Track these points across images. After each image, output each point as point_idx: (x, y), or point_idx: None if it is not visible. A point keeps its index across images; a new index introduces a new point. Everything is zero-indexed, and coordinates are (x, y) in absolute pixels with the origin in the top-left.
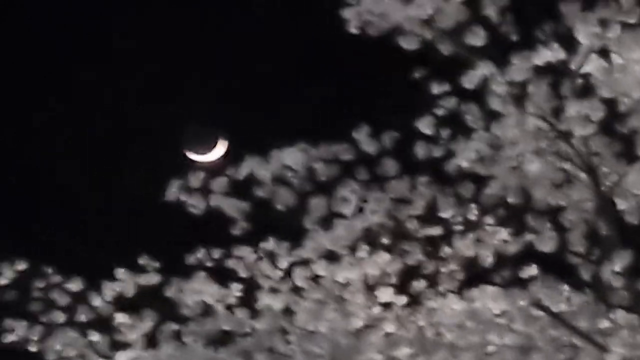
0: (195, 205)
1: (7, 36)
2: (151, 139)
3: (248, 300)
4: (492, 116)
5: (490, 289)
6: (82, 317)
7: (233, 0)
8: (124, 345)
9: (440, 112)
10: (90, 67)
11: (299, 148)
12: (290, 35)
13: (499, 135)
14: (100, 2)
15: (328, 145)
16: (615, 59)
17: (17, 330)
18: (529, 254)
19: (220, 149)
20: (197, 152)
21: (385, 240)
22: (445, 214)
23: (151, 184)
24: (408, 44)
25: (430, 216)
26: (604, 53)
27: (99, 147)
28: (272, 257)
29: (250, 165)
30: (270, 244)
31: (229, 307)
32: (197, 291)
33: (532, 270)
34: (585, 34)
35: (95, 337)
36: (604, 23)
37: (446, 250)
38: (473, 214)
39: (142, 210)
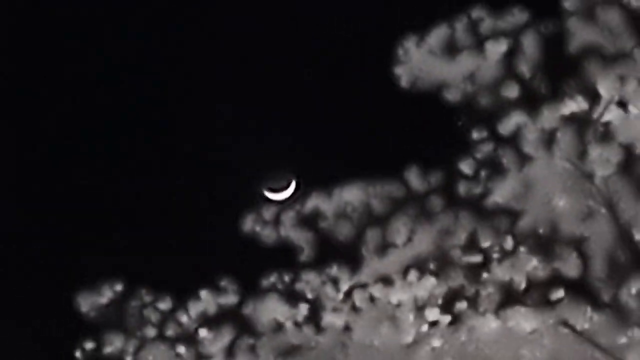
0: (268, 235)
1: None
2: (232, 180)
3: (313, 318)
4: (524, 159)
5: (522, 309)
6: (171, 332)
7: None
8: (206, 357)
9: (479, 155)
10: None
11: (357, 186)
12: (351, 90)
13: (530, 176)
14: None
15: (382, 184)
16: (632, 109)
17: (115, 343)
18: (556, 279)
19: (291, 188)
20: (272, 192)
21: (432, 267)
22: (484, 243)
23: (232, 218)
24: (452, 96)
25: (470, 246)
26: (622, 104)
27: (190, 187)
28: (334, 281)
29: (315, 201)
30: (333, 269)
31: (297, 324)
32: (270, 310)
33: (559, 293)
34: (605, 87)
35: (182, 349)
36: (622, 78)
37: (485, 275)
38: (508, 243)
39: (223, 240)
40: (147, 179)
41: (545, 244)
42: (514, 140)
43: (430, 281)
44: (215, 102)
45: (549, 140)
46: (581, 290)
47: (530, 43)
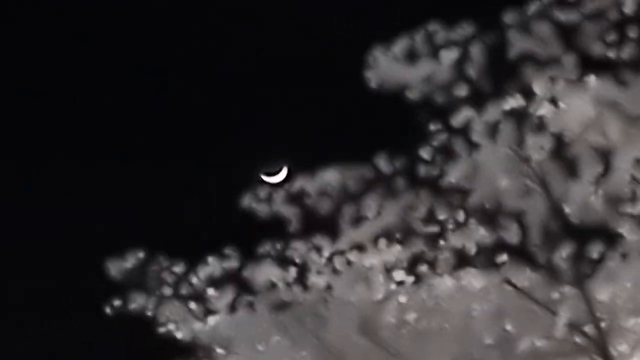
0: (263, 211)
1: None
2: (236, 167)
3: (301, 279)
4: (473, 146)
5: (473, 270)
6: (184, 291)
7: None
8: (213, 312)
9: (435, 143)
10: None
11: (335, 170)
12: (331, 94)
13: (478, 160)
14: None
15: (356, 168)
16: (561, 105)
17: (138, 300)
18: (500, 245)
19: (283, 173)
20: (268, 175)
21: (397, 236)
22: (440, 216)
23: (234, 197)
24: (413, 95)
25: (429, 218)
26: (553, 101)
27: (201, 173)
28: (317, 248)
29: (301, 183)
30: (316, 238)
31: (288, 284)
32: (265, 273)
33: (503, 256)
34: (539, 87)
35: (192, 305)
36: (553, 79)
37: (441, 242)
38: (460, 216)
39: (226, 215)
40: (167, 168)
41: (490, 216)
42: (464, 131)
43: (397, 248)
44: (227, 106)
45: (493, 131)
46: (521, 254)
47: (476, 51)
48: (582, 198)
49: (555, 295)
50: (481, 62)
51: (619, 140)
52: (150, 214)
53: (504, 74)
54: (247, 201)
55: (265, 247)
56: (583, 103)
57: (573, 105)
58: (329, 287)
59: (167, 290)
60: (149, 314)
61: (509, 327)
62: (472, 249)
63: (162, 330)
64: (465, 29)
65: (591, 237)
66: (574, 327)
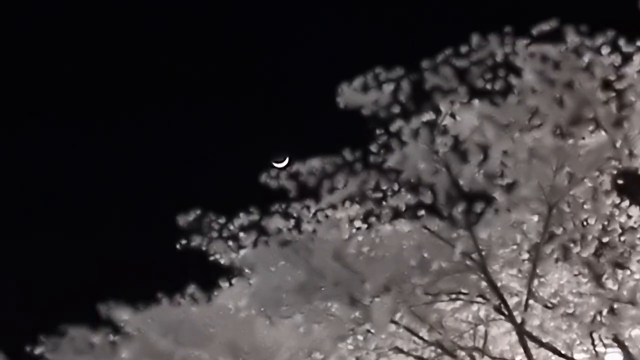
0: (273, 184)
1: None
2: (258, 159)
3: (297, 226)
4: (403, 143)
5: (403, 220)
6: (225, 234)
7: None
8: (243, 247)
9: (380, 141)
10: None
11: (318, 159)
12: (316, 114)
13: (406, 152)
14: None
15: (331, 157)
16: (457, 118)
17: (197, 240)
18: (420, 204)
19: (286, 161)
20: (278, 162)
21: (357, 199)
22: (383, 187)
23: (256, 176)
24: (366, 112)
25: (376, 188)
26: (452, 115)
27: (234, 164)
28: (307, 207)
29: (297, 166)
30: (306, 201)
31: (289, 229)
32: (275, 222)
33: (422, 212)
34: (444, 107)
35: (230, 243)
36: (452, 102)
37: (384, 203)
38: (395, 187)
39: (252, 187)
40: (219, 161)
41: (414, 187)
42: (398, 134)
43: (356, 206)
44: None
45: (415, 134)
46: (433, 210)
47: (405, 85)
48: (470, 175)
49: (454, 235)
50: (408, 92)
51: (493, 140)
52: (203, 187)
53: (422, 99)
54: (264, 178)
55: (275, 207)
56: (471, 117)
57: (464, 118)
58: (314, 231)
59: (214, 234)
60: (204, 248)
61: (425, 255)
62: (403, 207)
63: (211, 258)
64: (398, 71)
65: (476, 199)
66: (466, 254)
